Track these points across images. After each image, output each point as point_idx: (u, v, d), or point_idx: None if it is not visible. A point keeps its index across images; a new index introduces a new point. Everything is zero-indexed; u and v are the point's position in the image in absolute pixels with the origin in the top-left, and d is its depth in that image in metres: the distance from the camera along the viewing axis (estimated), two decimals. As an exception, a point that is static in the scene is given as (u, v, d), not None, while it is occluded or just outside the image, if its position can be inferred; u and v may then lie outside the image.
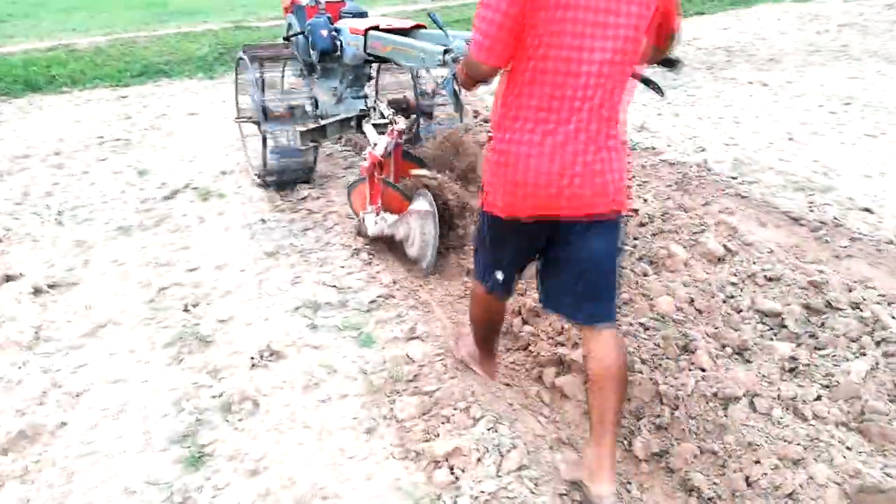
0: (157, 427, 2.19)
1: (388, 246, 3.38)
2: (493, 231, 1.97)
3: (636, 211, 3.42)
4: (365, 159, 3.27)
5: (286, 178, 4.12)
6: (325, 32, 3.71)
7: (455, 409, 2.15)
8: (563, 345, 2.49)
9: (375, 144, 3.23)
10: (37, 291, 3.05)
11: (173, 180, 4.36)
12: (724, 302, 2.67)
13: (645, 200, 3.57)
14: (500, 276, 2.03)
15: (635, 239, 3.15)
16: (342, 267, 3.21)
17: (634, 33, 1.73)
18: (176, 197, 4.11)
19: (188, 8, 11.78)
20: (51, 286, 3.11)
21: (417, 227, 3.10)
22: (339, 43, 3.70)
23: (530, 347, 2.58)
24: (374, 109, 3.68)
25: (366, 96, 4.06)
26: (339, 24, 3.76)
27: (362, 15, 3.92)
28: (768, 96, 5.50)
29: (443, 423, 2.11)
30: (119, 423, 2.23)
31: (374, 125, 3.52)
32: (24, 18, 12.55)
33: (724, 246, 3.04)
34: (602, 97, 1.76)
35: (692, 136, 4.61)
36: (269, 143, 3.97)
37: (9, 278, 3.18)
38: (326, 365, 2.47)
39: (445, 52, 2.65)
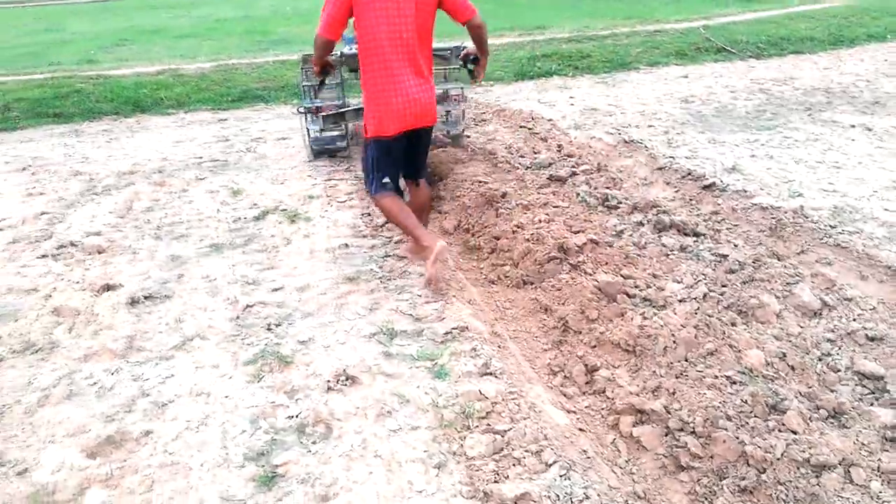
0: (235, 443, 2.26)
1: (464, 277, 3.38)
2: (379, 150, 3.23)
3: (725, 256, 3.29)
4: None
5: (326, 152, 5.59)
6: None
7: (527, 451, 2.11)
8: (641, 394, 2.40)
9: None
10: (133, 302, 3.24)
11: (264, 202, 4.55)
12: (820, 360, 2.51)
13: (735, 246, 3.44)
14: (386, 179, 3.28)
15: (723, 286, 3.03)
16: (419, 295, 3.23)
17: (412, 19, 3.00)
18: (265, 218, 4.27)
19: (286, 37, 12.37)
20: (146, 297, 3.28)
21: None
22: None
23: (606, 392, 2.50)
24: None
25: None
26: None
27: None
28: (872, 141, 5.21)
29: (513, 464, 2.07)
30: (200, 436, 2.31)
31: None
32: (138, 43, 13.55)
33: (821, 299, 2.88)
34: (410, 55, 3.06)
35: (787, 180, 4.42)
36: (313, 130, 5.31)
37: (109, 287, 3.39)
38: (399, 394, 2.48)
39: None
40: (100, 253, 3.85)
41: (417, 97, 3.14)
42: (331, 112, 5.14)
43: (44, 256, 3.84)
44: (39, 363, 2.79)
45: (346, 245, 3.84)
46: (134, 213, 4.45)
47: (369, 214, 4.26)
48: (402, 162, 3.44)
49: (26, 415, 2.47)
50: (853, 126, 5.66)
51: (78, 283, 3.48)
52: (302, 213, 4.34)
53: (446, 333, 2.87)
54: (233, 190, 4.80)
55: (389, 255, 3.68)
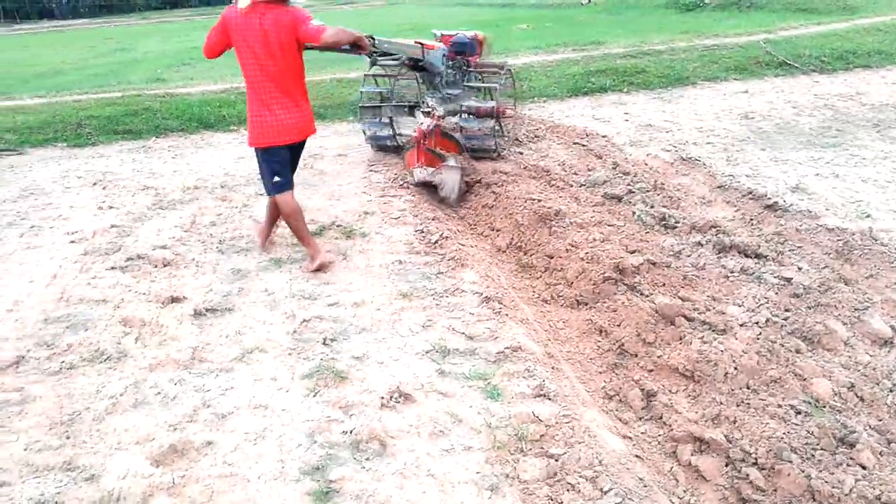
0: (291, 457, 2.31)
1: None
2: (274, 156, 3.79)
3: (789, 279, 3.19)
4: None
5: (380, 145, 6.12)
6: None
7: (581, 476, 2.08)
8: (700, 422, 2.34)
9: (422, 123, 4.92)
10: (196, 314, 3.35)
11: (321, 217, 4.64)
12: (891, 391, 2.41)
13: (799, 269, 3.33)
14: (282, 179, 3.85)
15: (787, 311, 2.93)
16: (472, 314, 3.24)
17: (265, 53, 3.56)
18: (322, 233, 4.36)
19: (343, 57, 12.63)
20: (209, 310, 3.39)
21: (448, 176, 4.78)
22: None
23: (664, 419, 2.45)
24: (425, 102, 5.46)
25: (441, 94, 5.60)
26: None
27: (463, 43, 5.71)
28: (949, 160, 4.97)
29: (568, 490, 2.04)
30: (258, 448, 2.37)
31: (423, 112, 5.23)
32: (203, 63, 14.09)
33: (892, 327, 2.76)
34: (274, 83, 3.65)
35: (855, 201, 4.26)
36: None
37: (174, 300, 3.52)
38: (452, 413, 2.48)
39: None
40: (166, 266, 3.99)
41: (282, 119, 3.72)
42: (367, 105, 6.19)
43: (113, 268, 4.00)
44: (108, 372, 2.92)
45: (401, 261, 3.88)
46: (198, 227, 4.61)
47: (423, 231, 4.30)
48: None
49: (95, 422, 2.57)
50: (927, 144, 5.42)
51: (145, 294, 3.62)
52: (357, 228, 4.42)
53: (499, 353, 2.87)
54: (291, 205, 4.91)
55: (443, 273, 3.71)
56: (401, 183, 5.35)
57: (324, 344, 3.02)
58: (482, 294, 3.41)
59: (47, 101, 9.49)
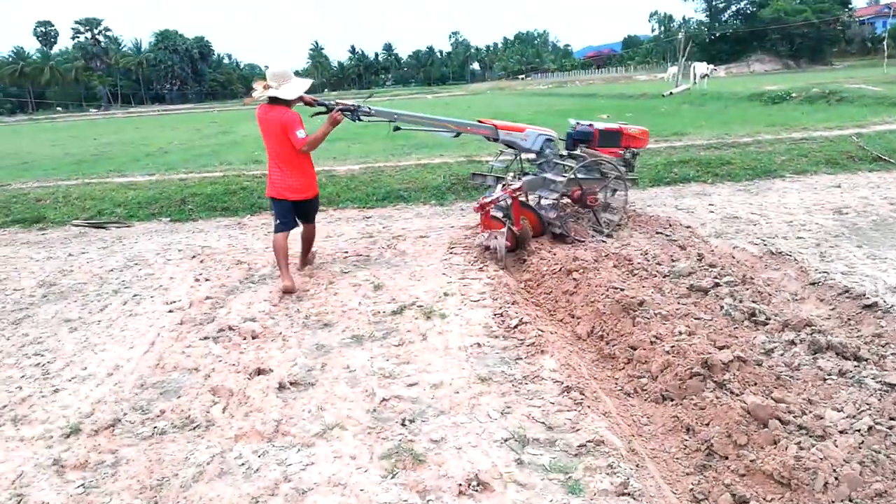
0: (368, 539, 2.29)
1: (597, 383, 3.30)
2: (277, 205, 5.34)
3: (893, 385, 2.99)
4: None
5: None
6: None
7: (669, 585, 1.96)
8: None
9: (490, 194, 5.94)
10: (281, 387, 3.45)
11: (402, 297, 4.76)
12: None
13: None
14: (280, 222, 5.29)
15: (892, 419, 2.73)
16: (552, 403, 3.19)
17: (269, 138, 5.18)
18: (403, 313, 4.46)
19: (428, 142, 13.21)
20: (292, 383, 3.49)
21: (497, 241, 5.52)
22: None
23: (758, 528, 2.30)
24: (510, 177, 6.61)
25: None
26: None
27: (581, 132, 6.58)
28: None
29: None
30: (335, 527, 2.37)
31: (503, 185, 6.07)
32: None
33: None
34: (277, 157, 5.22)
35: (966, 304, 3.99)
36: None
37: (260, 372, 3.65)
38: (531, 506, 2.42)
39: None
40: (254, 338, 4.17)
41: (281, 182, 5.25)
42: (477, 173, 7.41)
43: (206, 338, 4.22)
44: (196, 439, 3.03)
45: (479, 344, 3.90)
46: (285, 302, 4.81)
47: (502, 315, 4.32)
48: (294, 215, 5.39)
49: (182, 489, 2.66)
50: None
51: (234, 365, 3.78)
52: (437, 309, 4.49)
53: (581, 446, 2.79)
54: (374, 284, 5.07)
55: (522, 358, 3.69)
56: (480, 266, 5.44)
57: (402, 424, 3.04)
58: (562, 383, 3.36)
59: (155, 178, 10.33)
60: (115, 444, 3.03)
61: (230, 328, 4.32)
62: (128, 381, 3.69)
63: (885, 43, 41.55)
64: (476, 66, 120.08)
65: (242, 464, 2.80)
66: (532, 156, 6.44)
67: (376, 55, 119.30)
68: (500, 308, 4.46)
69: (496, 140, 6.14)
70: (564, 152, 6.45)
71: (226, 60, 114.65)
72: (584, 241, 5.79)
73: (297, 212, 5.35)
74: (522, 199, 6.06)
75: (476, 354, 3.79)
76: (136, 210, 8.55)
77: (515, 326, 4.14)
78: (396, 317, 4.41)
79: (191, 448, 2.95)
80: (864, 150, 9.32)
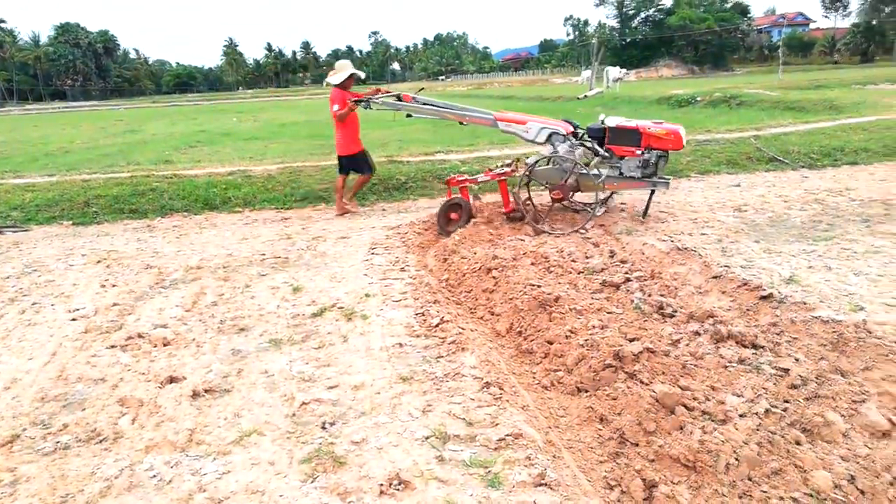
0: (288, 545, 2.25)
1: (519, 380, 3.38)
2: (355, 158, 7.64)
3: (787, 370, 3.21)
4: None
5: None
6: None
7: (584, 570, 2.04)
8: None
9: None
10: (195, 395, 3.34)
11: (322, 299, 4.70)
12: (892, 485, 2.39)
13: (796, 360, 3.36)
14: (338, 168, 7.83)
15: (786, 402, 2.94)
16: (472, 399, 3.24)
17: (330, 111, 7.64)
18: (323, 315, 4.40)
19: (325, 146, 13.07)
20: (207, 391, 3.39)
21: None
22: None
23: (666, 510, 2.42)
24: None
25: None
26: None
27: (595, 130, 6.69)
28: (937, 255, 5.09)
29: (570, 584, 2.00)
30: (253, 535, 2.32)
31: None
32: (210, 145, 14.52)
33: (890, 419, 2.76)
34: (334, 126, 7.75)
35: (848, 293, 4.33)
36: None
37: (172, 380, 3.52)
38: (451, 502, 2.45)
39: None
40: (165, 345, 4.01)
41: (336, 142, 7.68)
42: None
43: (113, 347, 4.02)
44: (103, 453, 2.88)
45: (401, 344, 3.90)
46: (199, 307, 4.65)
47: (423, 314, 4.34)
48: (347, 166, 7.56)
49: (88, 504, 2.52)
50: (915, 238, 5.56)
51: (144, 374, 3.62)
52: (358, 310, 4.46)
53: (500, 440, 2.85)
54: (293, 287, 4.98)
55: (443, 356, 3.72)
56: (402, 266, 5.44)
57: (322, 428, 3.00)
58: (482, 379, 3.42)
59: (56, 179, 9.74)
60: (13, 462, 2.84)
61: (140, 336, 4.14)
62: (27, 394, 3.47)
63: (779, 51, 44.52)
64: (396, 66, 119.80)
65: (153, 476, 2.69)
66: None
67: (294, 53, 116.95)
68: (422, 307, 4.48)
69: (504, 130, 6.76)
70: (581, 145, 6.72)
71: (132, 55, 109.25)
72: (552, 233, 6.16)
73: (347, 164, 7.62)
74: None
75: (397, 354, 3.79)
76: (35, 213, 8.04)
77: (437, 325, 4.17)
78: (316, 319, 4.35)
79: (97, 462, 2.81)
80: (760, 152, 9.94)
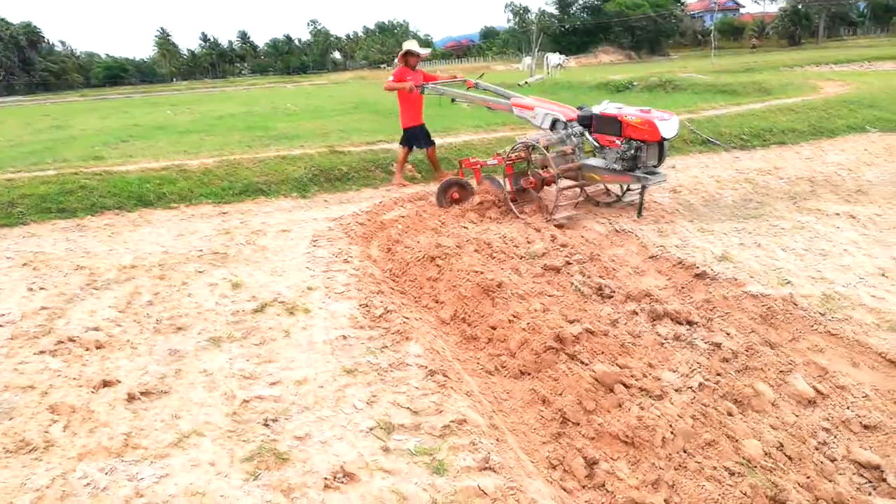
0: (230, 545, 2.21)
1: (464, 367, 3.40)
2: (412, 131, 7.99)
3: (719, 345, 3.33)
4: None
5: None
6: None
7: (527, 549, 2.07)
8: (641, 487, 2.38)
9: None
10: (130, 398, 3.23)
11: (263, 294, 4.61)
12: (817, 449, 2.52)
13: (728, 334, 3.49)
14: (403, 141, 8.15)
15: (718, 375, 3.05)
16: (417, 388, 3.24)
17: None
18: (264, 310, 4.32)
19: (287, 133, 12.84)
20: (143, 393, 3.28)
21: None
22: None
23: (607, 486, 2.48)
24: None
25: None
26: None
27: (585, 118, 6.46)
28: (857, 229, 5.36)
29: (514, 564, 2.03)
30: (194, 538, 2.27)
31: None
32: (143, 140, 14.02)
33: (815, 387, 2.91)
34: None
35: (776, 268, 4.52)
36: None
37: (106, 384, 3.39)
38: (397, 491, 2.45)
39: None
40: (98, 348, 3.86)
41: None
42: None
43: (42, 353, 3.84)
44: (34, 463, 2.76)
45: (345, 336, 3.87)
46: (134, 308, 4.49)
47: (367, 305, 4.32)
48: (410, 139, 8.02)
49: (17, 518, 2.42)
50: (838, 214, 5.84)
51: (75, 379, 3.48)
52: (300, 305, 4.40)
53: (444, 427, 2.87)
54: (232, 283, 4.87)
55: (387, 347, 3.71)
56: (345, 258, 5.39)
57: (264, 425, 2.95)
58: (427, 367, 3.43)
59: (-23, 179, 9.21)
60: (-67, 479, 2.69)
61: (70, 340, 3.97)
62: (-53, 407, 3.29)
63: (712, 35, 45.82)
64: (337, 54, 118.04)
65: (88, 483, 2.60)
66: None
67: (230, 43, 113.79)
68: (366, 298, 4.45)
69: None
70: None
71: (59, 48, 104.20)
72: (523, 219, 6.12)
73: (405, 137, 8.11)
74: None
75: (341, 347, 3.75)
76: (-46, 216, 7.59)
77: (381, 316, 4.15)
78: (257, 315, 4.27)
79: (27, 473, 2.69)
80: (695, 134, 10.23)
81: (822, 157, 8.71)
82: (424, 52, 8.33)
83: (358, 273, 4.99)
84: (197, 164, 9.14)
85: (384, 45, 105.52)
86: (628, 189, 6.72)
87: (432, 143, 8.28)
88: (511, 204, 6.41)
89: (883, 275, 4.27)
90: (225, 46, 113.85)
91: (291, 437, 2.84)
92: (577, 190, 6.32)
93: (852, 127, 10.61)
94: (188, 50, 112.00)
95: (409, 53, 7.84)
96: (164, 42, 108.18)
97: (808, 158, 8.69)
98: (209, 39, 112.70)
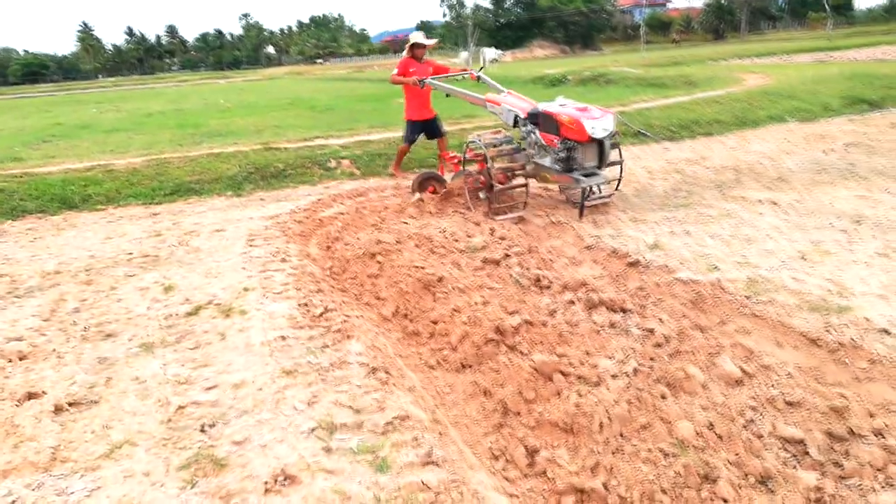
0: (167, 556, 2.15)
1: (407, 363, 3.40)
2: (412, 126, 7.92)
3: (652, 330, 3.44)
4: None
5: None
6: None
7: (471, 541, 2.09)
8: (581, 473, 2.44)
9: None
10: (57, 410, 3.09)
11: (197, 296, 4.48)
12: (745, 427, 2.63)
13: (660, 320, 3.60)
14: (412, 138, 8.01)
15: (652, 360, 3.15)
16: (359, 386, 3.22)
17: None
18: (199, 313, 4.20)
19: (220, 130, 12.50)
20: (71, 404, 3.14)
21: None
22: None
23: (547, 473, 2.53)
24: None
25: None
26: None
27: (530, 114, 6.22)
28: (778, 215, 5.62)
29: (458, 556, 2.04)
30: (128, 552, 2.19)
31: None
32: (66, 139, 13.39)
33: (742, 368, 3.04)
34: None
35: (704, 255, 4.69)
36: None
37: (31, 396, 3.23)
38: (340, 491, 2.43)
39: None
40: (22, 359, 3.67)
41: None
42: None
43: (-42, 366, 3.63)
44: (-49, 484, 2.61)
45: (283, 337, 3.80)
46: (59, 316, 4.29)
47: (306, 304, 4.25)
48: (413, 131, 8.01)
49: (-66, 543, 2.28)
50: (761, 201, 6.10)
51: (-4, 392, 3.30)
52: (237, 306, 4.30)
53: (387, 424, 2.86)
54: (164, 286, 4.72)
55: (328, 346, 3.67)
56: (282, 257, 5.30)
57: (201, 431, 2.88)
58: (369, 365, 3.41)
59: None
60: None
61: (-10, 351, 3.76)
62: None
63: (641, 30, 47.15)
64: (271, 49, 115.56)
65: (13, 501, 2.47)
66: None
67: (158, 38, 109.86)
68: (305, 298, 4.39)
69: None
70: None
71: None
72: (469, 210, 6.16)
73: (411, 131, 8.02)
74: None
75: (280, 348, 3.69)
76: None
77: (321, 315, 4.10)
78: (191, 318, 4.15)
79: (-57, 495, 2.54)
80: (626, 126, 10.50)
81: (746, 146, 9.09)
82: (430, 42, 8.29)
83: (296, 272, 4.91)
84: (124, 164, 8.81)
85: (319, 39, 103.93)
86: (596, 188, 6.45)
87: (443, 134, 8.18)
88: (468, 198, 6.39)
89: (803, 258, 4.49)
90: (152, 41, 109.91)
91: (230, 442, 2.77)
92: (523, 189, 6.18)
93: (773, 117, 11.11)
94: (113, 45, 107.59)
95: (415, 46, 7.81)
96: (87, 37, 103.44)
97: (732, 148, 9.05)
98: (135, 34, 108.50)
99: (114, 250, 5.72)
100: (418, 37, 7.96)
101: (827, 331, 3.38)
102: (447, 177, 7.05)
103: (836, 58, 24.86)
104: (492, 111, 6.86)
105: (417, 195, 6.72)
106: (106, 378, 3.40)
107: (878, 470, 2.27)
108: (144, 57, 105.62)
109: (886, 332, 3.32)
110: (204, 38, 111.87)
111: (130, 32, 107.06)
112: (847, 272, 4.18)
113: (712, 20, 63.41)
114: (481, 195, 6.46)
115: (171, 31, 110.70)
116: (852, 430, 2.47)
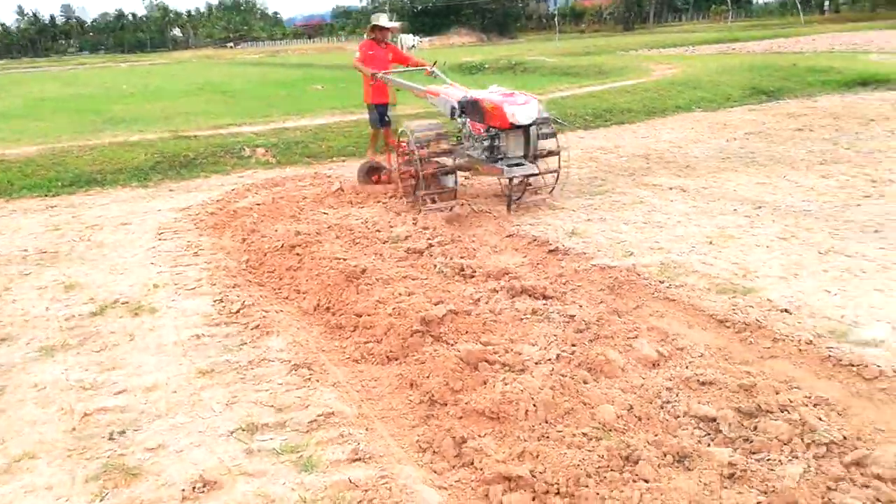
0: (75, 577, 2.01)
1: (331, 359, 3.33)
2: (376, 109, 7.52)
3: (573, 316, 3.51)
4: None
5: None
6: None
7: (400, 537, 2.06)
8: (508, 461, 2.46)
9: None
10: (-56, 424, 2.83)
11: (102, 295, 4.22)
12: (662, 408, 2.72)
13: (580, 306, 3.68)
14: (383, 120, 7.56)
15: (573, 346, 3.22)
16: (280, 384, 3.12)
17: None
18: (104, 313, 3.96)
19: (124, 117, 11.83)
20: (-39, 417, 2.89)
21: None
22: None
23: (475, 463, 2.53)
24: None
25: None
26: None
27: (461, 104, 5.96)
28: (687, 201, 5.87)
29: (388, 554, 2.01)
30: (31, 575, 2.03)
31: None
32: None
33: (657, 350, 3.14)
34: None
35: (620, 241, 4.84)
36: None
37: (-87, 410, 2.95)
38: (263, 494, 2.35)
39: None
40: None
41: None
42: None
43: None
44: None
45: (198, 336, 3.65)
46: (-55, 320, 3.94)
47: (222, 300, 4.09)
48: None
49: None
50: (671, 188, 6.36)
51: None
52: (146, 304, 4.08)
53: (311, 422, 2.79)
54: (65, 284, 4.41)
55: (247, 343, 3.54)
56: (195, 251, 5.07)
57: (111, 439, 2.71)
58: (290, 361, 3.32)
59: None
60: None
61: None
62: None
63: (556, 20, 48.14)
64: (178, 31, 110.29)
65: None
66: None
67: (52, 18, 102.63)
68: (220, 293, 4.23)
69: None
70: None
71: None
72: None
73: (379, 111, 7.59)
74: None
75: (195, 347, 3.53)
76: None
77: (238, 311, 3.96)
78: (96, 318, 3.90)
79: None
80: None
81: (656, 135, 9.45)
82: (394, 25, 7.99)
83: (210, 266, 4.71)
84: (17, 154, 8.19)
85: (230, 22, 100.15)
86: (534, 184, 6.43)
87: (388, 123, 7.73)
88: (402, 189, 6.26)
89: (710, 242, 4.71)
90: (46, 21, 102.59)
91: (142, 450, 2.63)
92: (451, 181, 6.06)
93: (680, 107, 11.60)
94: (1, 25, 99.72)
95: (376, 28, 7.44)
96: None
97: (643, 137, 9.39)
98: (26, 14, 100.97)
99: (6, 246, 5.30)
100: (380, 19, 7.57)
101: (734, 312, 3.55)
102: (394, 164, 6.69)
103: (738, 49, 26.27)
104: (431, 103, 6.62)
105: (338, 184, 6.59)
106: (0, 386, 3.15)
107: (785, 443, 2.40)
108: (37, 38, 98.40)
109: (787, 311, 3.53)
110: (104, 18, 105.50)
111: (21, 11, 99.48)
112: (750, 255, 4.41)
113: (622, 11, 65.54)
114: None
115: (67, 10, 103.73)
116: (760, 407, 2.60)
